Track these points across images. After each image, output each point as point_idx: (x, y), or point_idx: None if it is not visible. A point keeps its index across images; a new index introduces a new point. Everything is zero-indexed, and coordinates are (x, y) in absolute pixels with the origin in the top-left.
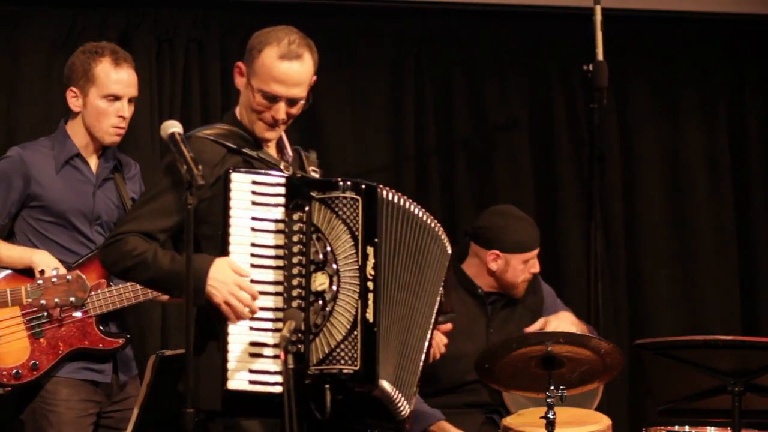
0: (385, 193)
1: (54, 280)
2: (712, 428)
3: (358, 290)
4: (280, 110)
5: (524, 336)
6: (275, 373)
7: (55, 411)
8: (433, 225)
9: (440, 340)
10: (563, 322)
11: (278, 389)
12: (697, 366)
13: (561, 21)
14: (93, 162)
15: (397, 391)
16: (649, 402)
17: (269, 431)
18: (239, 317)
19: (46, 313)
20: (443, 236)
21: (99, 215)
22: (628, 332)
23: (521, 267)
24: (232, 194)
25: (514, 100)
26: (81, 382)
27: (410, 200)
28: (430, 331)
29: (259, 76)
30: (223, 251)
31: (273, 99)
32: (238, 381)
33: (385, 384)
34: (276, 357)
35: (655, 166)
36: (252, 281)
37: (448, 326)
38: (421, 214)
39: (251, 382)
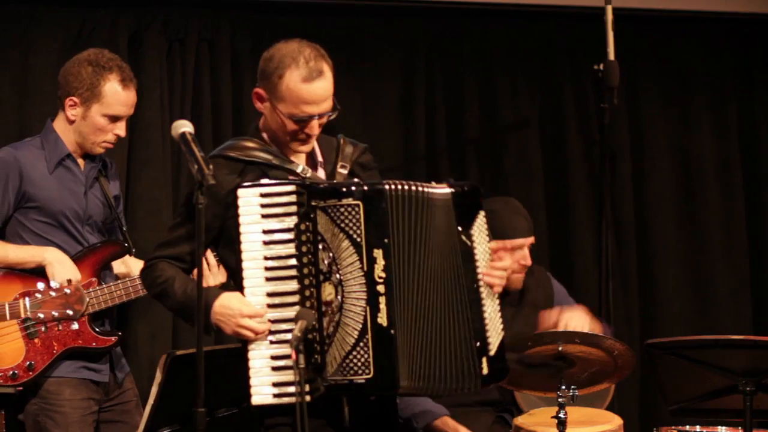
0: (392, 189)
1: (52, 293)
2: (724, 428)
3: (365, 297)
4: (314, 127)
5: (540, 334)
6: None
7: (60, 411)
8: (428, 191)
9: (493, 273)
10: (577, 316)
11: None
12: (708, 366)
13: (572, 20)
14: (81, 162)
15: (428, 382)
16: (661, 402)
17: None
18: (254, 340)
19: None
20: (436, 191)
21: (90, 215)
22: (639, 332)
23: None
24: (241, 210)
25: (524, 100)
26: (81, 380)
27: (425, 184)
28: (467, 293)
29: (287, 101)
30: (237, 266)
31: (306, 120)
32: (263, 396)
33: (408, 383)
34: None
35: (665, 166)
36: (268, 294)
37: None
38: (433, 193)
39: (275, 396)
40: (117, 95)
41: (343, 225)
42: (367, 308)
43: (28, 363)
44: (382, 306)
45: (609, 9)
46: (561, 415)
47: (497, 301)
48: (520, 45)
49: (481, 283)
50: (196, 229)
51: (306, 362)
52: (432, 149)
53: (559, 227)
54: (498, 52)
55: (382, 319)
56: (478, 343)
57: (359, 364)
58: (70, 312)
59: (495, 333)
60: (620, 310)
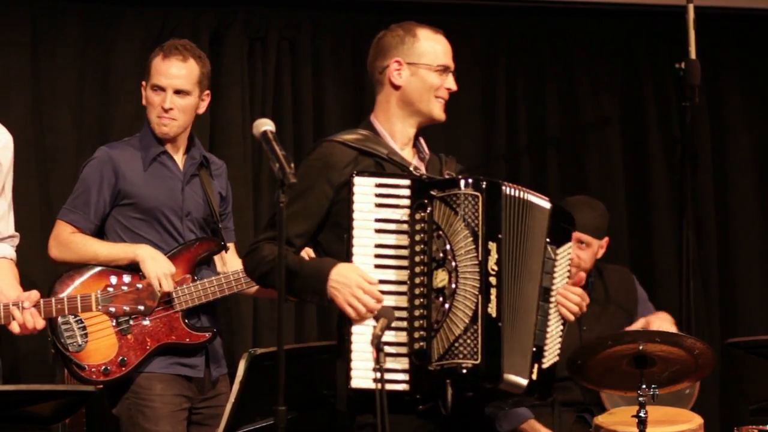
0: (507, 189)
1: (124, 288)
2: None
3: (478, 285)
4: (452, 81)
5: (620, 333)
6: (400, 371)
7: (150, 406)
8: (532, 197)
9: (568, 295)
10: (664, 321)
11: (403, 387)
12: None
13: (653, 19)
14: (179, 158)
15: (528, 380)
16: (741, 401)
17: (395, 428)
18: (361, 318)
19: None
20: (539, 199)
21: (189, 210)
22: (720, 331)
23: None
24: (356, 197)
25: (605, 99)
26: (174, 377)
27: (528, 190)
28: (547, 303)
29: (430, 54)
30: (347, 253)
31: (447, 70)
32: (362, 379)
33: (512, 377)
34: (400, 356)
35: (747, 165)
36: (378, 282)
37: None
38: (535, 200)
39: (375, 380)
40: (157, 65)
41: (463, 214)
42: (479, 297)
43: (120, 358)
44: (493, 297)
45: (691, 7)
46: (641, 414)
47: (561, 326)
48: (601, 43)
49: (552, 298)
50: (278, 227)
51: (410, 349)
52: (513, 148)
53: (639, 226)
54: (579, 50)
55: (492, 309)
56: (534, 348)
57: (468, 349)
58: (141, 307)
59: (551, 350)
60: (701, 309)
